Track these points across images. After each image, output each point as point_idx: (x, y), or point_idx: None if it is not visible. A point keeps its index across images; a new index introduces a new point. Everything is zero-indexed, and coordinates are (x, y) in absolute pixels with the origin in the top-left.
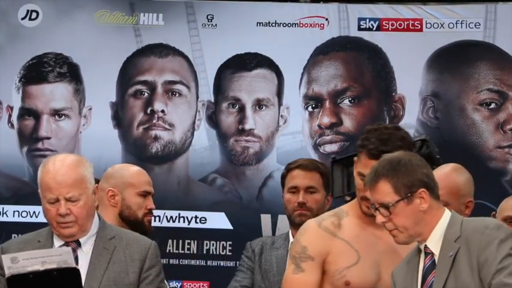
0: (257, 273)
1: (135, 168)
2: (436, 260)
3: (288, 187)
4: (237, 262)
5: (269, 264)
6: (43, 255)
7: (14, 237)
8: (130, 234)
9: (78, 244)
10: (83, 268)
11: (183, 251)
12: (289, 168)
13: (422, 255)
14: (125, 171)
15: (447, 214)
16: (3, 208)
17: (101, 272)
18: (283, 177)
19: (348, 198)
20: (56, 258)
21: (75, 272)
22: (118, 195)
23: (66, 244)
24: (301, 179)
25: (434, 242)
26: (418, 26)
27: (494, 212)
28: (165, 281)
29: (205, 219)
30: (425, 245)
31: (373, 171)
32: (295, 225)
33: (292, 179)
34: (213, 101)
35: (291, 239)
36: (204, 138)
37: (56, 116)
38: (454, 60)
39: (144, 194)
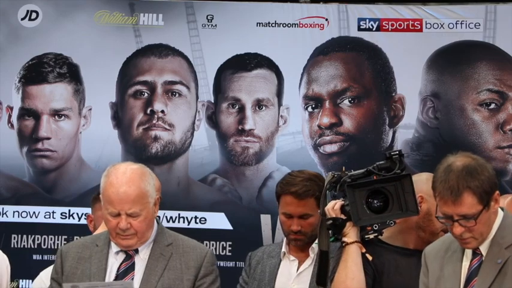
0: (254, 286)
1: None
2: (483, 262)
3: (281, 211)
4: (237, 262)
5: (263, 274)
6: (104, 286)
7: (14, 237)
8: (187, 241)
9: (136, 251)
10: (139, 273)
11: None
12: (282, 191)
13: (469, 254)
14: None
15: (500, 214)
16: (3, 208)
17: (155, 278)
18: (277, 195)
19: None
20: None
21: None
22: None
23: (124, 251)
24: (294, 207)
25: (486, 244)
26: (418, 26)
27: None
28: None
29: (205, 220)
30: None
31: (453, 184)
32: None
33: (286, 205)
34: (213, 101)
35: (283, 248)
36: (204, 139)
37: (56, 116)
38: (454, 61)
39: None
